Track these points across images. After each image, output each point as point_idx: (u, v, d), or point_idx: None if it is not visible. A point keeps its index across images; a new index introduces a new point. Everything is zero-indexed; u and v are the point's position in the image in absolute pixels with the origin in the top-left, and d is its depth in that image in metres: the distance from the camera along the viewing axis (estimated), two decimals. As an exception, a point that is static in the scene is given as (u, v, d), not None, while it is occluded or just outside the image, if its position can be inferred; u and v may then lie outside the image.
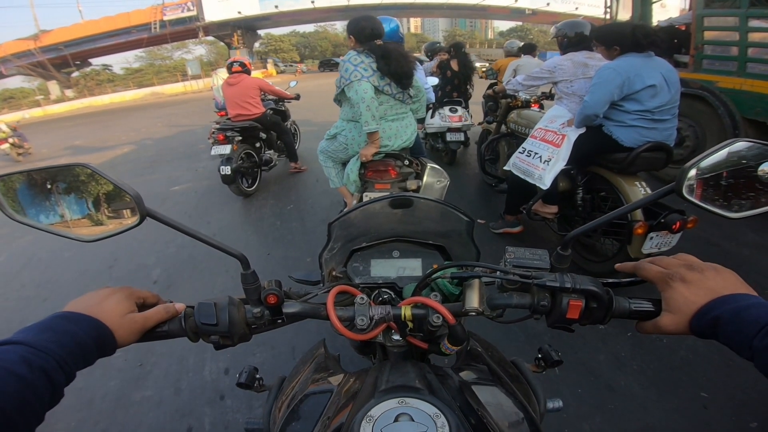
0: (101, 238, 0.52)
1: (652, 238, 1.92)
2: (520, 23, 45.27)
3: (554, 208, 2.40)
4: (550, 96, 3.17)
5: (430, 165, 2.23)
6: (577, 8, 28.03)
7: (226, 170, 3.64)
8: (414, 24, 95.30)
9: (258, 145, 4.25)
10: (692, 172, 0.47)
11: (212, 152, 3.77)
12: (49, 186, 0.51)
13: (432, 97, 3.82)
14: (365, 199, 2.17)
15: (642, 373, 1.70)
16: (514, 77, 3.30)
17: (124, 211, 0.53)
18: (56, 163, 0.52)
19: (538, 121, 2.79)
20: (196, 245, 3.20)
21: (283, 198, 4.06)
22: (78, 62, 32.55)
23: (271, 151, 4.45)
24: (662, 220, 1.88)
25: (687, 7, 4.53)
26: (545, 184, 2.15)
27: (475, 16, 40.88)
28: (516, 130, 2.96)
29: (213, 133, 4.02)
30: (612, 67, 1.91)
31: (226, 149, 3.70)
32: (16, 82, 34.62)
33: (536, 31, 46.98)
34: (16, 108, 27.13)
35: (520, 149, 2.39)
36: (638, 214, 1.97)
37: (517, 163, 2.38)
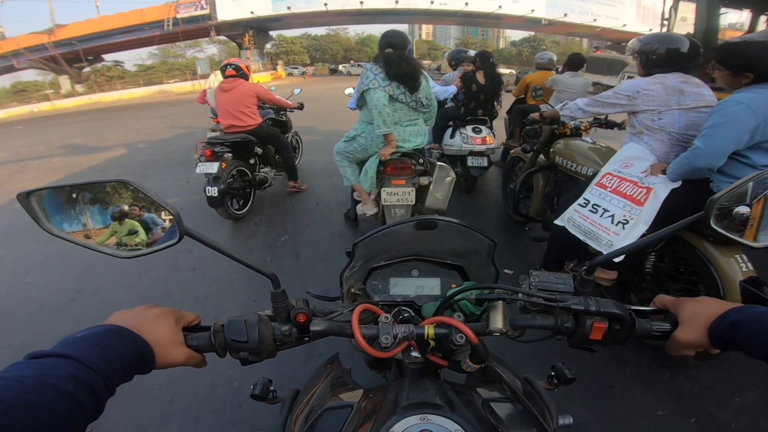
0: (138, 255, 0.53)
1: None
2: (533, 33, 44.76)
3: (614, 274, 1.86)
4: (606, 123, 2.60)
5: (438, 164, 2.56)
6: (595, 20, 27.48)
7: (213, 192, 3.14)
8: (426, 31, 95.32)
9: (252, 161, 3.73)
10: (721, 203, 0.49)
11: (197, 170, 3.26)
12: (87, 201, 0.52)
13: (441, 91, 3.54)
14: (383, 195, 2.54)
15: None
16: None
17: (161, 228, 0.54)
18: (96, 178, 0.52)
19: (590, 155, 2.24)
20: (171, 280, 2.84)
21: (278, 225, 3.54)
22: (90, 57, 32.60)
23: (267, 168, 3.92)
24: None
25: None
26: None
27: (489, 24, 40.44)
28: (561, 164, 2.40)
29: (201, 146, 3.51)
30: (744, 102, 1.37)
31: (213, 167, 3.19)
32: (30, 76, 34.86)
33: (549, 41, 46.44)
34: (25, 101, 27.11)
35: (581, 201, 1.83)
36: (736, 291, 1.52)
37: (575, 219, 1.82)
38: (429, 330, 0.55)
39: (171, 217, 0.50)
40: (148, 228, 0.54)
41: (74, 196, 0.52)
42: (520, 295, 0.57)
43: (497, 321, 0.56)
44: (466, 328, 0.53)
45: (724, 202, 0.50)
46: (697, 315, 0.49)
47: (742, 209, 0.51)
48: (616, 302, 0.54)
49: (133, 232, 0.54)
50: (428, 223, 0.71)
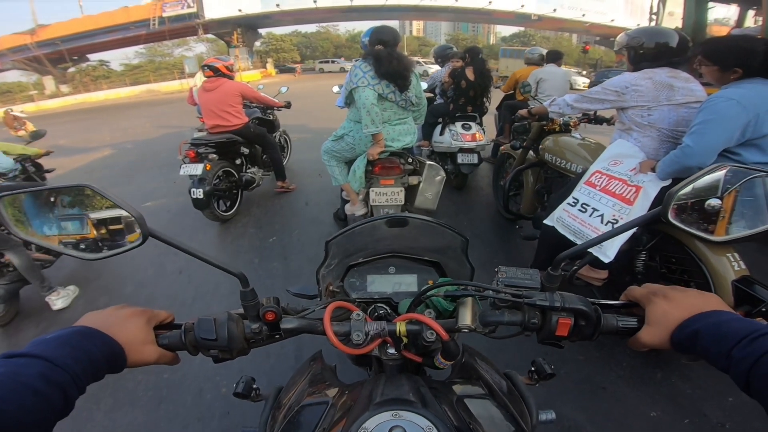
0: (104, 257, 0.55)
1: None
2: (523, 29, 44.80)
3: (604, 274, 1.83)
4: (595, 119, 2.56)
5: (428, 162, 2.51)
6: (584, 15, 27.62)
7: (198, 194, 3.06)
8: (416, 27, 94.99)
9: (239, 161, 3.65)
10: (679, 197, 0.49)
11: (181, 172, 3.17)
12: (53, 204, 0.53)
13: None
14: (372, 195, 2.50)
15: None
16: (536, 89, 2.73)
17: (127, 230, 0.54)
18: (60, 183, 0.53)
19: (580, 151, 2.21)
20: (157, 284, 2.79)
21: (266, 226, 3.47)
22: (75, 57, 32.00)
23: (254, 169, 3.84)
24: (764, 309, 1.35)
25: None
26: (608, 255, 1.57)
27: (479, 20, 40.42)
28: (551, 161, 2.37)
29: (185, 147, 3.41)
30: (734, 98, 1.33)
31: (197, 169, 3.10)
32: (14, 76, 34.10)
33: (539, 37, 46.58)
34: (9, 102, 26.50)
35: (570, 200, 1.78)
36: (728, 291, 1.46)
37: (564, 219, 1.78)
38: (401, 327, 0.55)
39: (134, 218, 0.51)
40: (112, 230, 0.54)
41: (40, 200, 0.53)
42: (489, 291, 0.57)
43: (466, 317, 0.56)
44: (436, 325, 0.52)
45: (683, 196, 0.50)
46: (664, 317, 0.48)
47: (714, 202, 0.51)
48: (583, 298, 0.54)
49: (97, 235, 0.55)
50: (399, 220, 0.72)
